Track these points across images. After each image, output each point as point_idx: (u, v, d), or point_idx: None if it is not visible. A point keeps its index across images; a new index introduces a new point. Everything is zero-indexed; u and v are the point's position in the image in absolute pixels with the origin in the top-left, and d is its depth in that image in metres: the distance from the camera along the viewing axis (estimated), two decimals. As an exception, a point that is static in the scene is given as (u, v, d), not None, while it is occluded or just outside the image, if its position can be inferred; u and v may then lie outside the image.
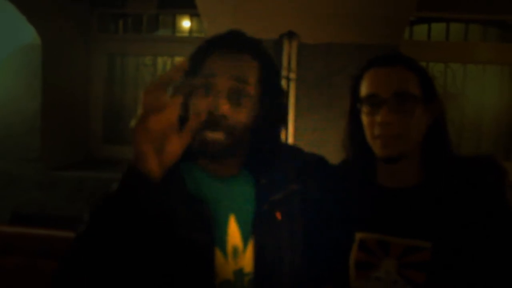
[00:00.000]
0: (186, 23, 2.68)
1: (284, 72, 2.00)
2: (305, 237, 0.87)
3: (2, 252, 1.69)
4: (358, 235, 0.89)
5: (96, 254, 0.64)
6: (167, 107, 0.64)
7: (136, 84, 2.70)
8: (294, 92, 2.02)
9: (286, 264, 0.83)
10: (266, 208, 0.82)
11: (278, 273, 0.82)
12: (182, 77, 0.65)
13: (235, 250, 0.80)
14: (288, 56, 2.01)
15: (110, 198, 0.66)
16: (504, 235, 0.83)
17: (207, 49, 0.83)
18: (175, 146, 0.66)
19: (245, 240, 0.81)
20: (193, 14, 2.58)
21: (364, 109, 0.89)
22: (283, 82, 2.00)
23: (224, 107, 0.77)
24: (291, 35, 2.00)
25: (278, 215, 0.83)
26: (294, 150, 0.99)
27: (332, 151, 0.97)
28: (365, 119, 0.89)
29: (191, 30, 2.66)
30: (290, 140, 2.00)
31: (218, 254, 0.78)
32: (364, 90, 0.89)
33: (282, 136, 0.93)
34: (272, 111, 0.84)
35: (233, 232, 0.81)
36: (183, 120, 0.67)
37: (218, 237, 0.79)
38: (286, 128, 1.99)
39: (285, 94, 0.98)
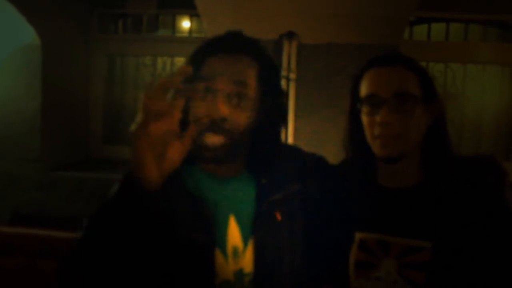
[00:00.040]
0: (186, 23, 2.68)
1: (284, 72, 2.00)
2: (305, 237, 0.87)
3: (2, 252, 1.68)
4: (358, 235, 0.89)
5: (95, 257, 0.64)
6: (168, 112, 0.62)
7: (136, 84, 2.70)
8: (294, 92, 2.02)
9: (286, 264, 0.83)
10: (266, 208, 0.82)
11: (278, 273, 0.82)
12: (183, 81, 0.64)
13: (235, 250, 0.80)
14: (288, 56, 2.01)
15: (107, 207, 0.65)
16: (504, 235, 0.83)
17: (206, 51, 0.83)
18: (176, 153, 0.65)
19: (245, 241, 0.81)
20: (193, 14, 2.58)
21: (364, 109, 0.89)
22: (283, 82, 2.00)
23: (224, 110, 0.77)
24: (291, 35, 2.00)
25: (278, 215, 0.83)
26: (294, 150, 0.99)
27: (332, 151, 0.97)
28: (365, 119, 0.89)
29: (191, 30, 2.66)
30: (290, 140, 2.00)
31: (218, 254, 0.78)
32: (364, 90, 0.89)
33: (282, 137, 0.93)
34: (272, 112, 0.84)
35: (233, 233, 0.81)
36: (182, 124, 0.66)
37: (218, 238, 0.79)
38: (286, 129, 1.99)
39: (285, 95, 0.97)
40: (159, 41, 2.64)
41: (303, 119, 2.05)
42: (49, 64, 2.31)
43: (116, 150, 2.61)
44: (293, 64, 2.02)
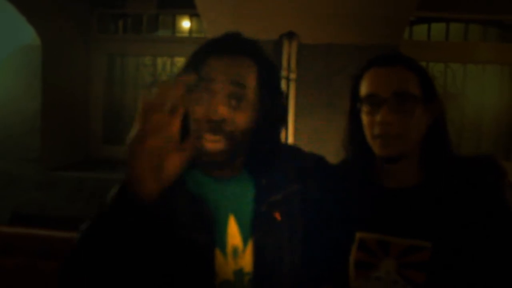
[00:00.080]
0: (186, 23, 2.68)
1: (284, 72, 2.00)
2: (305, 237, 0.87)
3: (2, 252, 1.68)
4: (358, 235, 0.89)
5: (95, 259, 0.64)
6: (167, 125, 0.58)
7: (136, 84, 2.70)
8: (294, 92, 2.03)
9: (285, 264, 0.83)
10: (265, 209, 0.82)
11: (277, 273, 0.82)
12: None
13: (235, 250, 0.80)
14: (288, 56, 2.01)
15: (104, 217, 0.64)
16: (503, 235, 0.83)
17: (205, 52, 0.83)
18: (175, 165, 0.61)
19: (244, 240, 0.81)
20: (193, 14, 2.58)
21: (364, 109, 0.89)
22: (283, 83, 2.00)
23: (223, 112, 0.77)
24: (291, 35, 2.01)
25: (277, 216, 0.83)
26: (294, 150, 0.99)
27: (332, 151, 0.97)
28: (365, 118, 0.89)
29: (191, 30, 2.66)
30: (290, 140, 2.00)
31: (218, 254, 0.78)
32: (364, 89, 0.89)
33: (282, 137, 0.92)
34: (271, 112, 0.84)
35: (233, 232, 0.81)
36: (181, 133, 0.62)
37: (218, 237, 0.79)
38: (286, 129, 1.99)
39: (284, 96, 0.96)
40: (159, 41, 2.64)
41: (303, 119, 2.05)
42: (49, 64, 2.31)
43: (116, 150, 2.61)
44: (293, 64, 2.02)
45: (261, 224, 0.82)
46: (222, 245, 0.79)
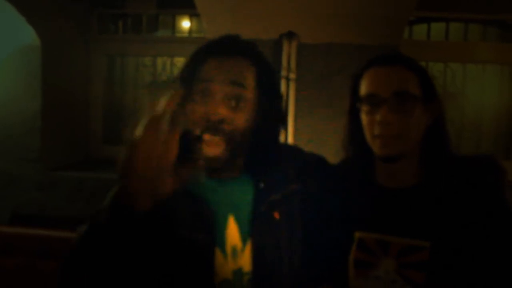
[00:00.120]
0: (185, 23, 2.68)
1: (283, 72, 2.00)
2: (305, 237, 0.87)
3: (2, 252, 1.68)
4: (358, 235, 0.89)
5: (94, 260, 0.64)
6: (164, 145, 0.56)
7: (136, 84, 2.70)
8: (293, 92, 2.03)
9: (285, 264, 0.83)
10: (264, 208, 0.83)
11: (277, 273, 0.82)
12: (182, 86, 0.61)
13: (234, 250, 0.80)
14: (288, 56, 2.01)
15: (98, 227, 0.63)
16: (503, 235, 0.83)
17: (204, 54, 0.83)
18: (169, 186, 0.59)
19: (244, 240, 0.81)
20: (193, 14, 2.58)
21: (364, 108, 0.89)
22: (283, 82, 2.00)
23: (223, 112, 0.77)
24: (290, 35, 2.00)
25: (277, 215, 0.83)
26: (293, 150, 0.99)
27: (332, 151, 0.97)
28: (364, 118, 0.89)
29: (190, 30, 2.66)
30: (290, 140, 2.00)
31: (218, 253, 0.79)
32: (363, 89, 0.90)
33: (282, 137, 0.93)
34: (270, 113, 0.84)
35: (232, 232, 0.81)
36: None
37: (217, 237, 0.79)
38: (286, 129, 1.99)
39: (283, 96, 0.96)
40: (159, 41, 2.64)
41: (303, 119, 2.05)
42: (49, 64, 2.31)
43: (116, 150, 2.58)
44: (293, 64, 2.02)
45: (260, 224, 0.82)
46: (222, 244, 0.79)
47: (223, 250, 0.79)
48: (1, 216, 2.25)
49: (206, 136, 0.77)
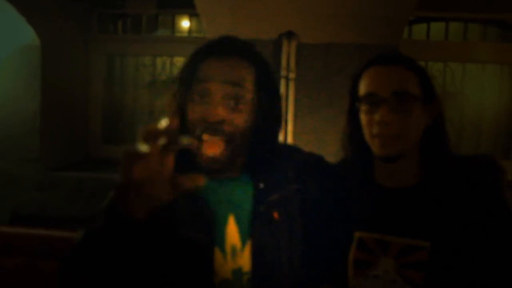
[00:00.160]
0: (185, 23, 2.68)
1: (283, 72, 2.00)
2: (304, 237, 0.87)
3: (2, 252, 1.69)
4: (357, 234, 0.89)
5: (94, 262, 0.64)
6: (161, 157, 0.55)
7: (136, 84, 2.70)
8: (293, 92, 2.03)
9: (284, 264, 0.83)
10: (264, 208, 0.83)
11: (276, 272, 0.82)
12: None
13: (233, 249, 0.80)
14: (287, 55, 2.01)
15: (94, 235, 0.63)
16: (502, 235, 0.83)
17: (202, 54, 0.83)
18: (166, 194, 0.58)
19: (243, 240, 0.81)
20: (192, 14, 2.58)
21: (363, 108, 0.89)
22: (283, 82, 2.00)
23: (222, 113, 0.77)
24: (290, 35, 2.01)
25: (276, 215, 0.84)
26: (293, 150, 0.99)
27: (332, 150, 0.97)
28: (363, 118, 0.89)
29: (190, 30, 2.66)
30: (290, 140, 2.00)
31: (217, 253, 0.79)
32: (363, 89, 0.90)
33: (281, 137, 0.93)
34: (269, 113, 0.85)
35: (232, 232, 0.81)
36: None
37: (217, 237, 0.79)
38: (285, 129, 1.99)
39: (282, 96, 0.96)
40: (158, 41, 2.64)
41: (303, 119, 2.05)
42: (49, 64, 2.31)
43: (116, 150, 2.61)
44: (292, 64, 2.02)
45: (260, 224, 0.82)
46: (221, 244, 0.80)
47: (223, 250, 0.79)
48: (1, 216, 2.25)
49: (206, 137, 0.77)
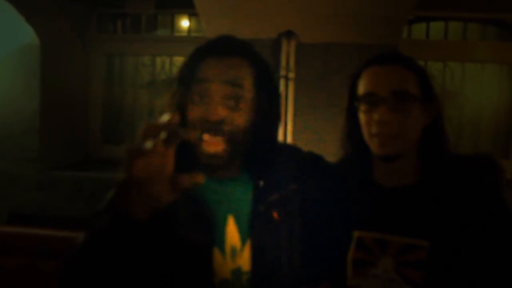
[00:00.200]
0: (184, 23, 2.68)
1: (283, 72, 2.00)
2: (304, 236, 0.87)
3: (2, 252, 1.69)
4: (356, 234, 0.89)
5: (94, 263, 0.64)
6: (161, 156, 0.56)
7: (135, 84, 2.70)
8: (293, 91, 2.03)
9: (284, 263, 0.83)
10: (263, 208, 0.83)
11: (275, 272, 0.82)
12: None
13: (233, 249, 0.80)
14: (287, 55, 2.01)
15: (96, 237, 0.63)
16: (501, 234, 0.83)
17: (201, 54, 0.83)
18: (167, 194, 0.58)
19: (243, 240, 0.81)
20: (192, 14, 2.58)
21: (362, 108, 0.89)
22: (282, 81, 2.00)
23: (222, 113, 0.78)
24: (289, 34, 2.01)
25: (275, 215, 0.84)
26: (293, 150, 0.99)
27: (331, 150, 0.97)
28: (362, 117, 0.89)
29: (189, 30, 2.66)
30: (289, 140, 2.00)
31: (217, 253, 0.79)
32: (362, 88, 0.90)
33: (281, 136, 0.93)
34: (269, 112, 0.85)
35: (232, 232, 0.81)
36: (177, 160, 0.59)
37: (217, 237, 0.79)
38: (285, 128, 1.99)
39: (280, 95, 0.96)
40: (158, 41, 2.64)
41: (302, 118, 2.05)
42: (48, 64, 2.31)
43: (115, 150, 2.61)
44: (292, 63, 2.02)
45: (259, 224, 0.82)
46: (221, 244, 0.80)
47: (222, 250, 0.80)
48: (1, 216, 2.25)
49: (206, 137, 0.77)
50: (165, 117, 0.55)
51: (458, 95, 2.45)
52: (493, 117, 2.46)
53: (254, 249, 0.81)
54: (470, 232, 0.82)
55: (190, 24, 2.65)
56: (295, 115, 2.03)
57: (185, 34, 2.66)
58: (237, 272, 0.80)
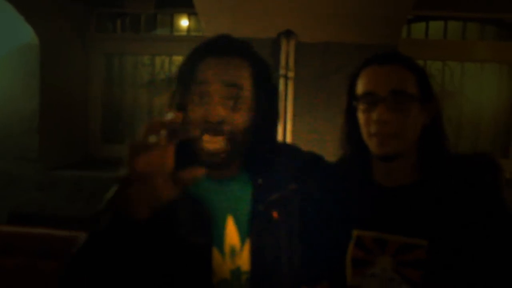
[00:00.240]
0: (184, 22, 2.68)
1: (282, 71, 2.00)
2: (303, 236, 0.87)
3: (2, 252, 1.68)
4: (355, 233, 0.89)
5: (94, 263, 0.64)
6: (159, 162, 0.56)
7: (135, 83, 2.70)
8: (292, 90, 2.03)
9: (283, 263, 0.83)
10: (263, 208, 0.83)
11: (275, 272, 0.82)
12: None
13: (232, 249, 0.80)
14: (286, 54, 2.01)
15: (97, 237, 0.64)
16: (501, 234, 0.83)
17: (200, 55, 0.83)
18: (168, 191, 0.59)
19: (242, 240, 0.81)
20: (191, 13, 2.58)
21: (361, 107, 0.89)
22: (281, 81, 2.00)
23: (222, 113, 0.78)
24: (289, 33, 2.01)
25: (275, 215, 0.84)
26: (292, 150, 0.99)
27: (331, 149, 0.97)
28: (361, 117, 0.90)
29: (189, 29, 2.66)
30: (288, 139, 2.01)
31: (216, 253, 0.79)
32: (361, 87, 0.90)
33: (280, 136, 0.93)
34: (268, 111, 0.85)
35: (231, 232, 0.81)
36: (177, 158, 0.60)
37: (216, 237, 0.79)
38: (284, 128, 1.99)
39: (279, 95, 0.96)
40: (157, 40, 2.63)
41: (301, 117, 2.05)
42: (47, 63, 2.31)
43: (115, 150, 2.61)
44: (291, 63, 2.02)
45: (259, 224, 0.82)
46: (220, 244, 0.80)
47: (221, 250, 0.80)
48: (1, 216, 2.25)
49: (206, 137, 0.77)
50: (169, 116, 0.57)
51: (457, 94, 2.45)
52: (492, 116, 2.47)
53: (253, 249, 0.81)
54: (469, 231, 0.82)
55: (189, 24, 2.65)
56: (294, 114, 2.03)
57: (184, 33, 2.66)
58: (237, 272, 0.80)
